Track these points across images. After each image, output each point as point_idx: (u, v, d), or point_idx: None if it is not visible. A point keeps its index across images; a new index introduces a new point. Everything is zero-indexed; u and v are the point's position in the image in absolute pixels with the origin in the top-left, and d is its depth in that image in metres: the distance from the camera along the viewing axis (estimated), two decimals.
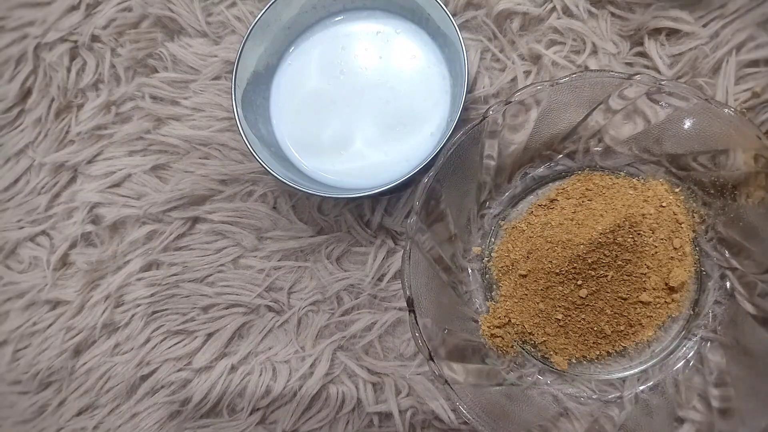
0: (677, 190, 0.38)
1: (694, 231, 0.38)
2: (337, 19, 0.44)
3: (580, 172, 0.40)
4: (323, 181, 0.42)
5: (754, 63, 0.39)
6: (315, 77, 0.43)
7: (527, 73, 0.42)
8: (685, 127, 0.36)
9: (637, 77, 0.35)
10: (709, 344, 0.37)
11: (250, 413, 0.42)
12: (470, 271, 0.40)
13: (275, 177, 0.39)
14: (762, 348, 0.34)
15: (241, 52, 0.40)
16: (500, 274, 0.39)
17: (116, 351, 0.44)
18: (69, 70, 0.48)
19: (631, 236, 0.35)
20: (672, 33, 0.40)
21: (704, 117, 0.35)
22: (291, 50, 0.44)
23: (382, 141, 0.42)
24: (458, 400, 0.33)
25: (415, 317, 0.34)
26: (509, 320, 0.38)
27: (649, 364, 0.37)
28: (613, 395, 0.37)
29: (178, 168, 0.46)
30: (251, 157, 0.40)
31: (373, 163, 0.42)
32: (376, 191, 0.38)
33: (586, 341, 0.37)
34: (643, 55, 0.40)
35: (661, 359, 0.37)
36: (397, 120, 0.42)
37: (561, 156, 0.40)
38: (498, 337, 0.38)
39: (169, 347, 0.44)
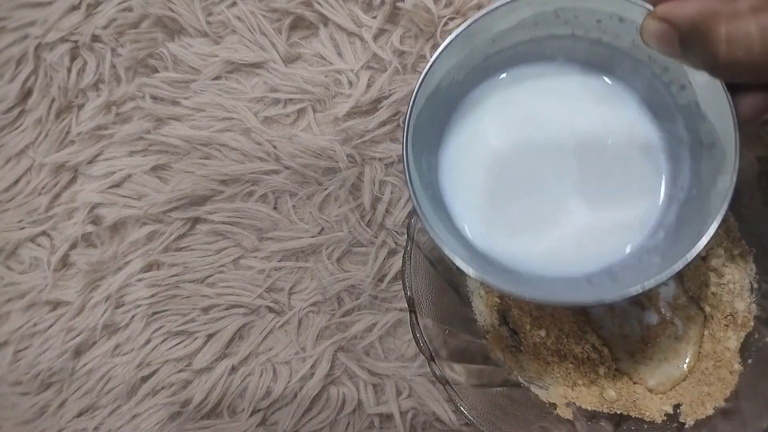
0: None
1: None
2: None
3: None
4: (507, 263, 0.30)
5: None
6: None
7: None
8: None
9: None
10: None
11: (251, 414, 0.42)
12: None
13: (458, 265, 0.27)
14: (764, 348, 0.34)
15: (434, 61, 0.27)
16: None
17: (117, 352, 0.44)
18: (69, 70, 0.47)
19: None
20: None
21: None
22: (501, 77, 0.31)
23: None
24: (460, 401, 0.33)
25: (416, 318, 0.34)
26: None
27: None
28: None
29: (179, 168, 0.45)
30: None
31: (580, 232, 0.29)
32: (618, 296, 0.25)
33: None
34: None
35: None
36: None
37: None
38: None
39: (170, 348, 0.44)
